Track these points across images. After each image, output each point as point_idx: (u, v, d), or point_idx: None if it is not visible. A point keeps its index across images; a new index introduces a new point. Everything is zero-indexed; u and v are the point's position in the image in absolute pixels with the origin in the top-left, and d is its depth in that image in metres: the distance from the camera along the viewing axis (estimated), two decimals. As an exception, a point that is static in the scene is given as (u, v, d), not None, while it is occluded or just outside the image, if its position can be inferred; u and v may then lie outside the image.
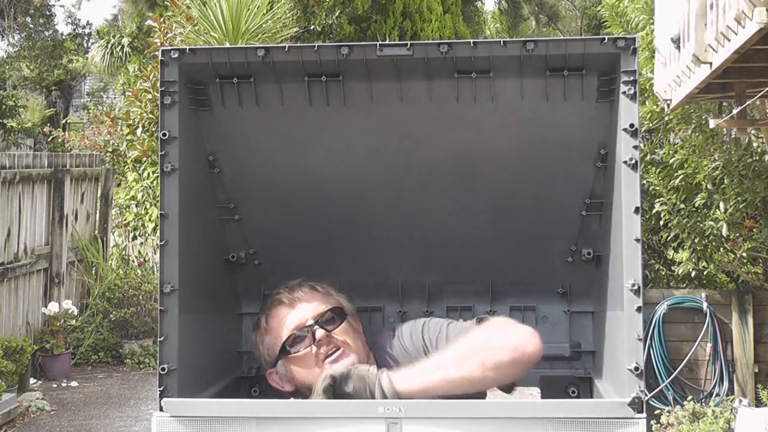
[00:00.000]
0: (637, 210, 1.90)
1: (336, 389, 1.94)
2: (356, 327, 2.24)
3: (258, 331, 2.26)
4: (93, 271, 8.98)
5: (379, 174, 2.28)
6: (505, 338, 1.97)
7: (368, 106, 2.12)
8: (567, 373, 2.45)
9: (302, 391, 2.17)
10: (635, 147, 1.91)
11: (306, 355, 2.14)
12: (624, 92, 1.93)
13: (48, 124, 19.34)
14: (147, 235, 10.44)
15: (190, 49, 2.03)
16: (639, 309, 1.87)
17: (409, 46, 1.98)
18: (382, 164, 2.26)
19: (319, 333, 2.13)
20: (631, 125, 1.91)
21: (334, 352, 2.13)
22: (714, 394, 5.81)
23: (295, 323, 2.17)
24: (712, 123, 5.00)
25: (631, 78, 1.92)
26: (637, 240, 1.89)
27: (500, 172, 2.26)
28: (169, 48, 2.02)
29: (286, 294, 2.22)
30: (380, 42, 2.01)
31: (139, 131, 8.93)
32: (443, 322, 2.20)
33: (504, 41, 1.97)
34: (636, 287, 1.88)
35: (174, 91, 2.01)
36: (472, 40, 1.99)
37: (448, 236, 2.39)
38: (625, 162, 1.91)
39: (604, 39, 1.94)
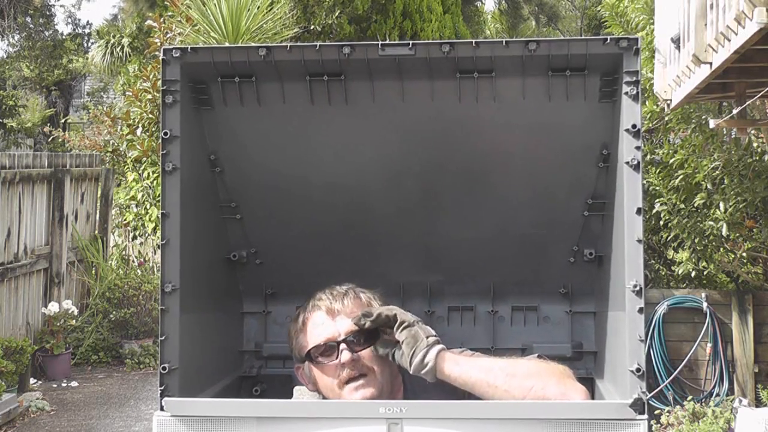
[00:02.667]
0: (639, 211, 1.90)
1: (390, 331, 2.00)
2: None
3: (295, 325, 2.23)
4: (93, 271, 8.98)
5: (380, 173, 2.28)
6: (559, 386, 1.95)
7: (370, 106, 2.12)
8: None
9: (324, 395, 2.17)
10: (637, 147, 1.90)
11: (330, 369, 2.12)
12: (626, 93, 1.92)
13: (48, 124, 19.34)
14: (147, 235, 10.44)
15: (191, 48, 2.03)
16: (641, 310, 1.87)
17: (411, 45, 1.98)
18: (383, 163, 2.26)
19: (345, 356, 2.09)
20: (634, 126, 1.91)
21: (357, 378, 2.09)
22: (714, 394, 5.82)
23: (326, 335, 2.13)
24: (712, 123, 5.00)
25: (634, 78, 1.92)
26: (639, 241, 1.89)
27: (502, 172, 2.25)
28: (171, 47, 2.02)
29: (329, 300, 2.18)
30: (382, 42, 2.01)
31: (139, 131, 8.93)
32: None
33: (506, 41, 1.97)
34: (638, 288, 1.87)
35: (175, 90, 2.01)
36: (474, 40, 1.99)
37: (450, 236, 2.39)
38: (628, 162, 1.91)
39: (606, 39, 1.94)
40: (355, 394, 2.08)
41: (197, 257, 2.14)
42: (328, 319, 2.15)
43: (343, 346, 2.11)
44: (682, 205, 5.77)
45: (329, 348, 2.12)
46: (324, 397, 2.16)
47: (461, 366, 1.98)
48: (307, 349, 2.16)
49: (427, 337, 2.01)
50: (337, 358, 2.11)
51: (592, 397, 2.35)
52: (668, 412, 5.61)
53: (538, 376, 1.95)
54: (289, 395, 2.38)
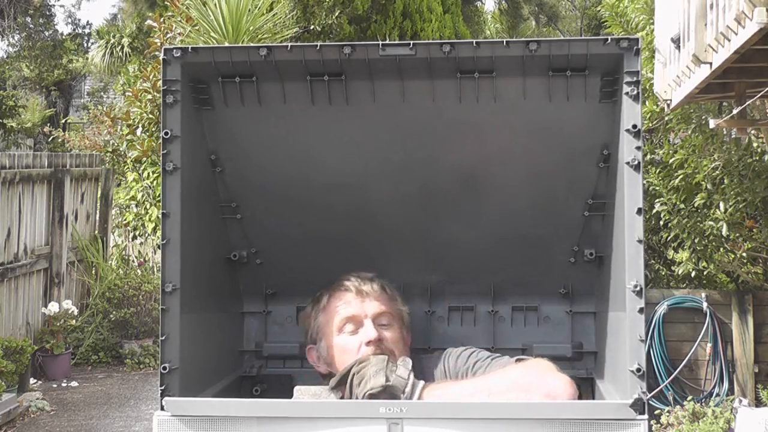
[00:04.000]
0: (639, 211, 1.90)
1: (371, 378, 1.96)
2: (406, 339, 2.26)
3: (316, 306, 2.28)
4: (93, 271, 8.98)
5: (381, 173, 2.28)
6: (540, 383, 1.97)
7: (370, 106, 2.12)
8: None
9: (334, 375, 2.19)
10: (638, 148, 1.90)
11: (351, 348, 2.17)
12: (627, 93, 1.92)
13: (48, 124, 19.33)
14: (147, 235, 10.43)
15: (192, 48, 2.03)
16: (641, 310, 1.87)
17: (411, 45, 1.98)
18: (384, 163, 2.26)
19: (372, 333, 2.15)
20: (634, 126, 1.91)
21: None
22: (714, 394, 5.82)
23: (353, 313, 2.20)
24: (712, 123, 5.00)
25: (634, 78, 1.92)
26: (640, 241, 1.89)
27: (502, 172, 2.26)
28: (172, 47, 2.02)
29: (356, 283, 2.24)
30: (383, 42, 2.01)
31: (139, 131, 8.92)
32: (488, 355, 2.21)
33: (507, 41, 1.97)
34: (638, 288, 1.88)
35: (176, 90, 2.01)
36: (474, 40, 1.99)
37: (450, 236, 2.39)
38: (628, 163, 1.91)
39: (607, 39, 1.94)
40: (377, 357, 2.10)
41: (198, 257, 2.14)
42: (356, 299, 2.21)
43: (369, 323, 2.16)
44: (682, 205, 5.77)
45: (355, 327, 2.18)
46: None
47: (442, 392, 1.98)
48: (330, 327, 2.20)
49: (406, 371, 2.00)
50: (361, 338, 2.15)
51: (593, 398, 2.35)
52: (668, 412, 5.61)
53: (518, 387, 1.96)
54: (290, 395, 2.38)
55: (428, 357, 2.29)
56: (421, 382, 1.98)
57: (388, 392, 1.92)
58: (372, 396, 1.93)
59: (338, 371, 2.16)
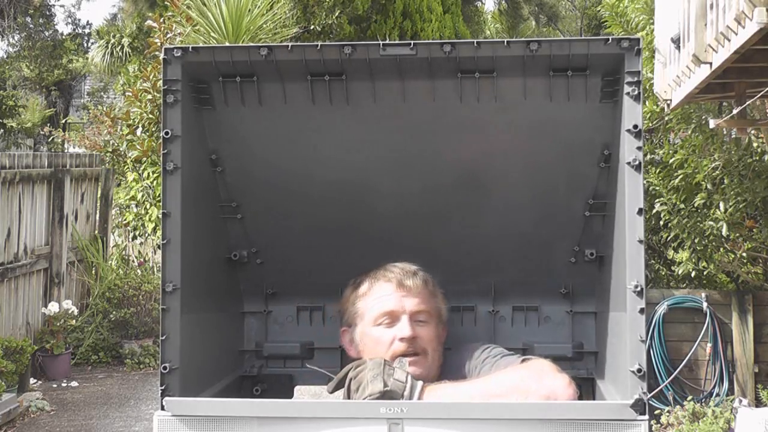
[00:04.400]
0: (640, 211, 1.90)
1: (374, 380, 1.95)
2: (441, 335, 2.27)
3: (356, 291, 2.28)
4: (93, 271, 8.98)
5: (381, 173, 2.28)
6: (539, 386, 1.97)
7: (371, 106, 2.12)
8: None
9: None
10: (639, 148, 1.90)
11: (385, 341, 2.18)
12: (628, 93, 1.92)
13: (48, 124, 19.33)
14: (147, 235, 10.43)
15: (193, 47, 2.03)
16: (642, 310, 1.87)
17: (412, 45, 1.98)
18: (384, 163, 2.26)
19: (407, 331, 2.16)
20: (635, 126, 1.91)
21: (411, 354, 2.15)
22: (714, 394, 5.82)
23: (391, 307, 2.20)
24: (712, 123, 5.00)
25: (635, 79, 1.91)
26: (640, 241, 1.89)
27: (503, 172, 2.25)
28: (173, 46, 2.02)
29: (399, 275, 2.23)
30: (383, 41, 2.01)
31: (139, 131, 8.92)
32: (499, 352, 2.22)
33: (508, 41, 1.97)
34: (639, 288, 1.87)
35: (177, 90, 2.01)
36: (475, 40, 1.99)
37: (451, 236, 2.39)
38: (629, 163, 1.91)
39: (608, 39, 1.94)
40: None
41: (198, 257, 2.14)
42: (397, 292, 2.21)
43: (406, 320, 2.17)
44: (682, 205, 5.77)
45: (391, 321, 2.18)
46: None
47: (440, 394, 1.98)
48: (366, 316, 2.21)
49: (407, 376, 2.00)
50: (395, 333, 2.16)
51: (593, 398, 2.35)
52: (668, 412, 5.61)
53: (517, 389, 1.96)
54: (290, 395, 2.38)
55: (462, 348, 2.30)
56: (420, 383, 1.98)
57: (386, 397, 1.91)
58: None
59: (367, 359, 2.18)
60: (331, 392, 2.06)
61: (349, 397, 1.98)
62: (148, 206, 10.53)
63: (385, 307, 2.20)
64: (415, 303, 2.20)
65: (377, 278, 2.26)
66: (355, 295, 2.28)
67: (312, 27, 10.72)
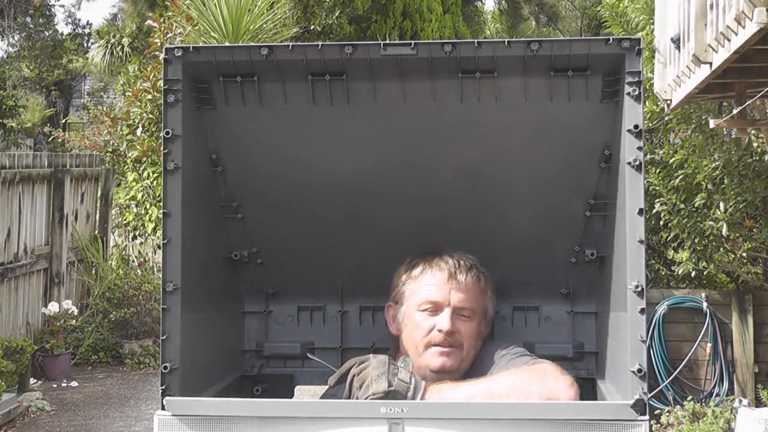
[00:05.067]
0: (641, 211, 1.90)
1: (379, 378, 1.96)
2: (482, 332, 2.29)
3: (409, 271, 2.30)
4: (93, 271, 8.97)
5: (382, 173, 2.28)
6: (541, 388, 1.98)
7: (372, 106, 2.12)
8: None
9: (405, 346, 2.25)
10: (639, 148, 1.90)
11: (424, 327, 2.20)
12: (628, 93, 1.92)
13: (48, 124, 19.32)
14: (147, 235, 10.42)
15: (193, 47, 2.03)
16: (642, 311, 1.87)
17: (412, 45, 1.98)
18: (385, 163, 2.26)
19: (446, 325, 2.19)
20: (636, 126, 1.91)
21: (447, 346, 2.19)
22: (714, 394, 5.81)
23: (437, 297, 2.22)
24: (712, 123, 5.00)
25: (636, 79, 1.92)
26: (641, 241, 1.89)
27: (504, 172, 2.26)
28: (173, 46, 2.02)
29: (453, 267, 2.25)
30: (384, 41, 2.01)
31: (139, 131, 8.92)
32: (516, 352, 2.23)
33: (508, 41, 1.97)
34: (639, 289, 1.87)
35: (177, 90, 2.01)
36: (476, 40, 1.99)
37: (451, 235, 2.39)
38: (629, 163, 1.91)
39: (608, 40, 1.94)
40: (437, 358, 2.17)
41: (199, 257, 2.14)
42: (446, 284, 2.23)
43: (448, 313, 2.19)
44: (682, 205, 5.77)
45: (433, 309, 2.21)
46: (402, 348, 2.24)
47: (442, 394, 1.99)
48: (414, 297, 2.24)
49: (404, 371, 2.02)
50: (434, 323, 2.19)
51: (594, 398, 2.35)
52: (668, 412, 5.61)
53: (519, 390, 1.97)
54: (290, 395, 2.38)
55: (493, 343, 2.32)
56: (423, 383, 1.99)
57: (390, 397, 1.92)
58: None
59: (402, 340, 2.23)
60: (333, 386, 2.06)
61: (350, 393, 1.99)
62: (148, 206, 10.52)
63: (431, 295, 2.23)
64: (461, 298, 2.23)
65: (432, 265, 2.27)
66: (408, 276, 2.30)
67: (312, 27, 10.71)
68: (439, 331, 2.19)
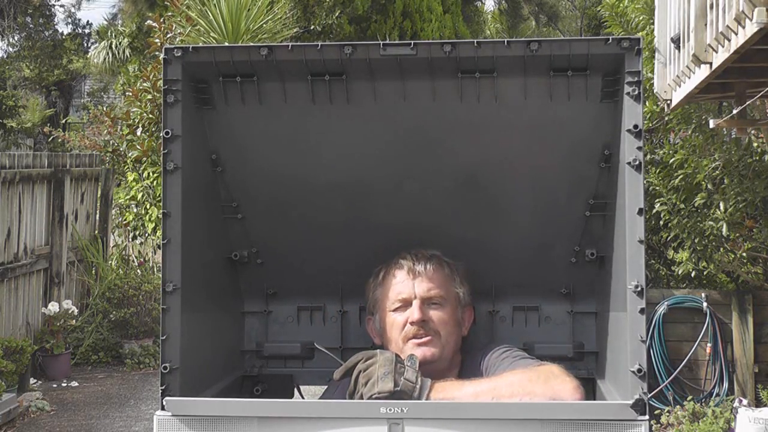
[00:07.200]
0: (640, 211, 1.90)
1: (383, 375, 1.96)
2: (461, 320, 2.31)
3: (375, 279, 2.35)
4: (93, 271, 8.98)
5: (382, 173, 2.28)
6: (545, 387, 1.98)
7: (371, 106, 2.12)
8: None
9: (387, 347, 2.27)
10: (639, 148, 1.90)
11: (398, 324, 2.24)
12: (628, 93, 1.92)
13: (48, 124, 19.33)
14: (147, 235, 10.42)
15: (193, 47, 2.03)
16: (642, 310, 1.87)
17: (412, 45, 1.98)
18: (385, 163, 2.26)
19: (416, 315, 2.22)
20: (636, 126, 1.91)
21: (422, 336, 2.21)
22: (714, 394, 5.81)
23: (403, 293, 2.26)
24: (712, 123, 5.00)
25: (636, 79, 1.92)
26: (641, 241, 1.89)
27: (503, 172, 2.25)
28: (173, 46, 2.02)
29: (411, 262, 2.29)
30: (383, 41, 2.01)
31: (139, 131, 8.92)
32: (516, 355, 2.24)
33: (508, 41, 1.97)
34: (639, 288, 1.87)
35: (177, 90, 2.01)
36: (475, 40, 1.99)
37: (451, 236, 2.39)
38: (629, 163, 1.91)
39: (608, 39, 1.94)
40: (416, 350, 2.19)
41: (198, 257, 2.14)
42: (407, 278, 2.27)
43: (416, 304, 2.23)
44: (682, 205, 5.77)
45: (402, 306, 2.24)
46: (387, 349, 2.23)
47: (447, 393, 1.99)
48: (382, 303, 2.28)
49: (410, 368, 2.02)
50: (406, 318, 2.22)
51: (594, 398, 2.35)
52: (668, 412, 5.61)
53: (524, 390, 1.97)
54: (290, 395, 2.38)
55: (486, 347, 2.33)
56: (428, 382, 1.99)
57: (395, 397, 1.92)
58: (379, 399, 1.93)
59: (386, 345, 2.26)
60: (339, 379, 2.06)
61: (355, 389, 1.99)
62: (148, 206, 10.52)
63: (398, 293, 2.26)
64: (427, 287, 2.26)
65: (391, 266, 2.32)
66: (375, 284, 2.35)
67: (312, 27, 10.72)
68: (412, 323, 2.22)
